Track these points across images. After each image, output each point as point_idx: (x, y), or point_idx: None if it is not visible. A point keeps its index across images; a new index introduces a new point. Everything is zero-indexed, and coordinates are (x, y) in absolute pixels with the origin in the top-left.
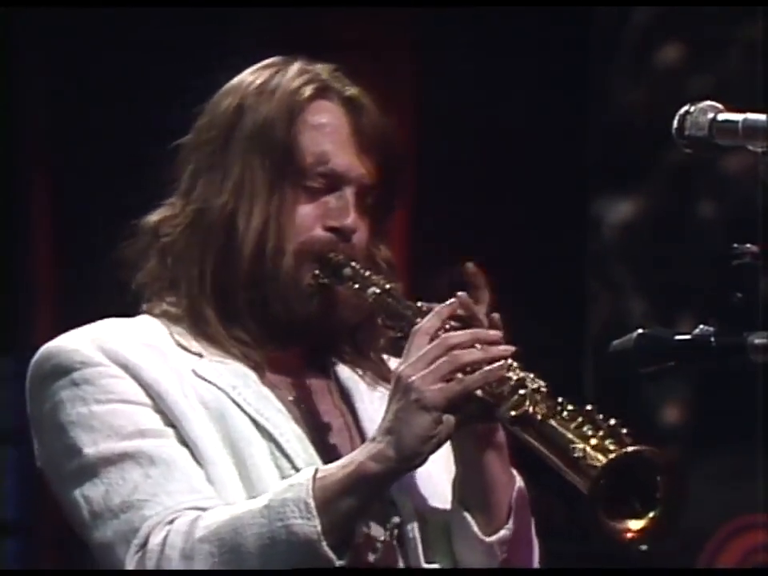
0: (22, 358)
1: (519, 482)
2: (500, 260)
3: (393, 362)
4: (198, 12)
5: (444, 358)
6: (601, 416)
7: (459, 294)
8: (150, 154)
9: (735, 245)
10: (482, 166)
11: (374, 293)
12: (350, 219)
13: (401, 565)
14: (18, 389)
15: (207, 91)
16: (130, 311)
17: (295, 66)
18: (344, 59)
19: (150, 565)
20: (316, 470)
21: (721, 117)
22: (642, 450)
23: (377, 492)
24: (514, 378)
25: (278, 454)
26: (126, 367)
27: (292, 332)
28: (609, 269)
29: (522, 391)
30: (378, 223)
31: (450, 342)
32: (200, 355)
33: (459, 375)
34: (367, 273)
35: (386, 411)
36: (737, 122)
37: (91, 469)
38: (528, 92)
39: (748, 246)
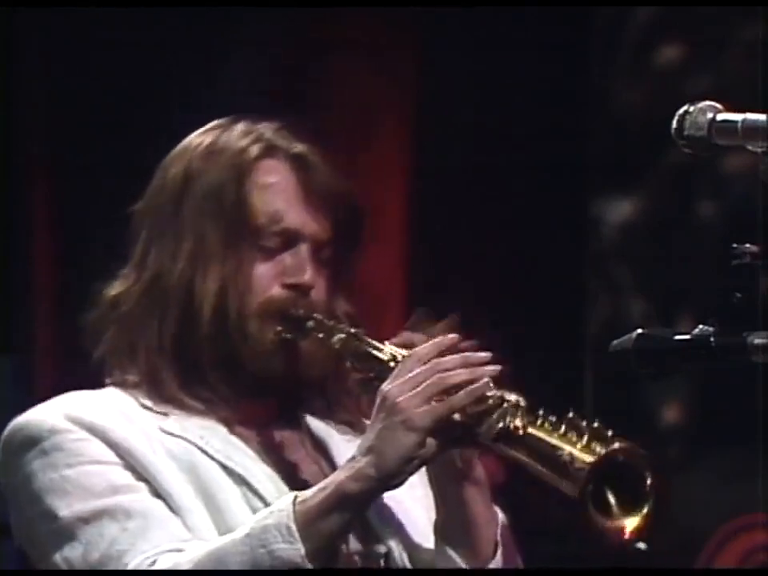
0: (21, 357)
1: (502, 517)
2: (500, 260)
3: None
4: (199, 12)
5: (431, 380)
6: (584, 421)
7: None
8: (150, 155)
9: (735, 245)
10: (482, 166)
11: (340, 338)
12: (307, 275)
13: None
14: (17, 388)
15: (207, 91)
16: (96, 372)
17: (240, 127)
18: (344, 59)
19: None
20: (295, 495)
21: (720, 117)
22: (627, 446)
23: (357, 511)
24: (492, 395)
25: (250, 495)
26: (93, 430)
27: (259, 388)
28: (609, 269)
29: (500, 410)
30: (337, 277)
31: (440, 366)
32: (165, 414)
33: (445, 397)
34: (331, 322)
35: (369, 430)
36: (736, 122)
37: (68, 531)
38: (528, 92)
39: (748, 245)
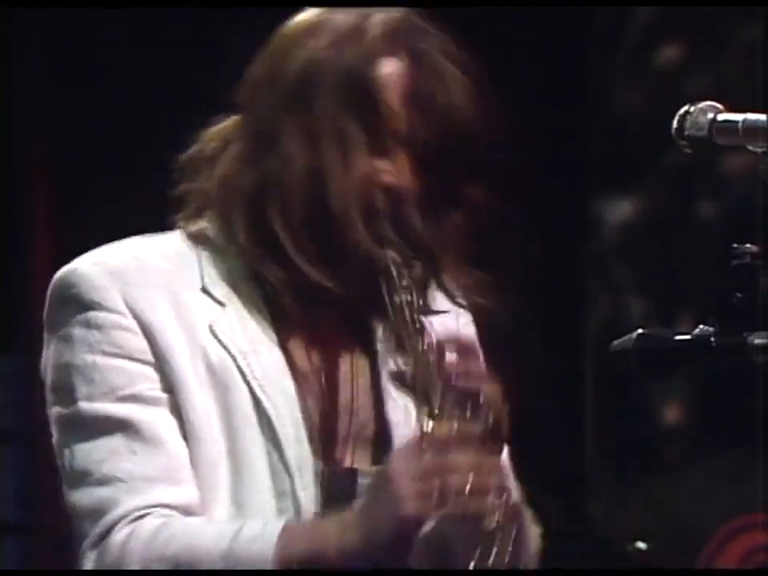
0: (20, 357)
1: (511, 478)
2: (499, 260)
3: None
4: (199, 12)
5: (436, 478)
6: None
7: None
8: (150, 155)
9: (735, 245)
10: (481, 166)
11: (397, 301)
12: (406, 180)
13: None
14: (17, 388)
15: (208, 91)
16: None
17: (377, 17)
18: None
19: (108, 561)
20: (284, 529)
21: (721, 117)
22: None
23: (336, 565)
24: (495, 520)
25: (271, 440)
26: (140, 321)
27: (325, 296)
28: (609, 269)
29: (500, 537)
30: (439, 186)
31: (449, 462)
32: (223, 304)
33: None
34: (404, 281)
35: (364, 500)
36: (737, 122)
37: (81, 423)
38: (528, 92)
39: (748, 245)
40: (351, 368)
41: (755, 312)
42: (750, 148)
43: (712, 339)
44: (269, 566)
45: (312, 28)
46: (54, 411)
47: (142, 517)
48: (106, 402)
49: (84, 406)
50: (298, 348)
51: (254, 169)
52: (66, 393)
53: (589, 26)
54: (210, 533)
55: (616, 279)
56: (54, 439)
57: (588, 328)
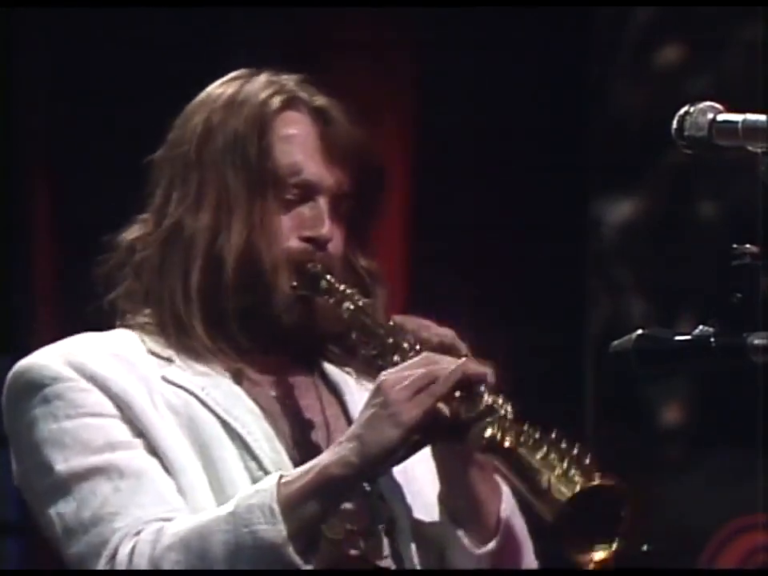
0: (21, 357)
1: (506, 490)
2: (500, 260)
3: None
4: (199, 12)
5: (419, 372)
6: (564, 444)
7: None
8: (150, 155)
9: (735, 245)
10: (482, 166)
11: (348, 308)
12: (325, 228)
13: (390, 559)
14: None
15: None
16: (104, 327)
17: (262, 78)
18: (344, 59)
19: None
20: (281, 476)
21: (720, 117)
22: (605, 484)
23: (340, 496)
24: (484, 402)
25: (246, 455)
26: (93, 380)
27: (275, 337)
28: (609, 269)
29: (489, 418)
30: (356, 231)
31: (433, 358)
32: (170, 360)
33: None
34: (342, 286)
35: (359, 415)
36: (736, 122)
37: (63, 485)
38: (528, 92)
39: (748, 246)
40: (316, 392)
41: (755, 312)
42: (750, 148)
43: (712, 339)
44: (275, 512)
45: (212, 98)
46: (37, 491)
47: (141, 531)
48: (82, 458)
49: (62, 469)
50: (257, 381)
51: (185, 262)
52: (44, 468)
53: (589, 25)
54: (212, 510)
55: (616, 279)
56: (42, 518)
57: (588, 328)
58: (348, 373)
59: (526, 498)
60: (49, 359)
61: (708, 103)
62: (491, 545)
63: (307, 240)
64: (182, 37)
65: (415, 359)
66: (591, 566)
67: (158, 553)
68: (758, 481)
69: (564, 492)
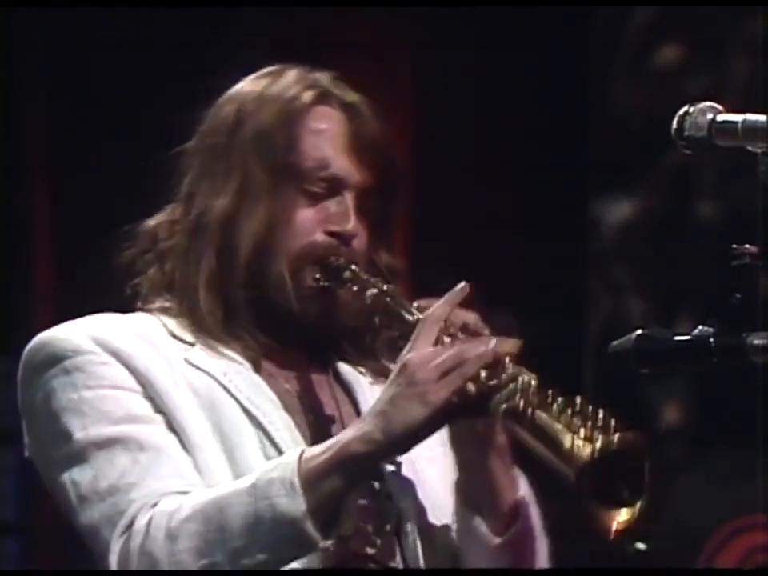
0: (21, 357)
1: (523, 479)
2: (500, 261)
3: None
4: (199, 12)
5: (450, 353)
6: (590, 407)
7: (464, 284)
8: (150, 156)
9: (735, 245)
10: (482, 166)
11: (372, 294)
12: (351, 224)
13: (398, 559)
14: (17, 388)
15: (207, 92)
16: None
17: (294, 73)
18: (344, 59)
19: (135, 545)
20: (303, 451)
21: (720, 117)
22: (627, 438)
23: (362, 473)
24: (506, 371)
25: (266, 442)
26: (116, 354)
27: (292, 332)
28: (609, 269)
29: (512, 385)
30: (378, 228)
31: (462, 345)
32: (192, 344)
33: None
34: (365, 275)
35: (383, 393)
36: (736, 122)
37: (80, 453)
38: (528, 92)
39: (748, 246)
40: (330, 390)
41: (755, 312)
42: (750, 148)
43: (711, 340)
44: (295, 485)
45: (244, 91)
46: (52, 458)
47: (158, 503)
48: (102, 427)
49: (80, 437)
50: (273, 373)
51: (203, 249)
52: (61, 436)
53: (589, 25)
54: (232, 483)
55: (616, 279)
56: (55, 486)
57: (588, 328)
58: (361, 372)
59: (548, 461)
60: (70, 333)
61: (708, 103)
62: (509, 533)
63: (332, 234)
64: (182, 37)
65: (442, 347)
66: (615, 527)
67: (174, 524)
68: (758, 481)
69: (587, 450)
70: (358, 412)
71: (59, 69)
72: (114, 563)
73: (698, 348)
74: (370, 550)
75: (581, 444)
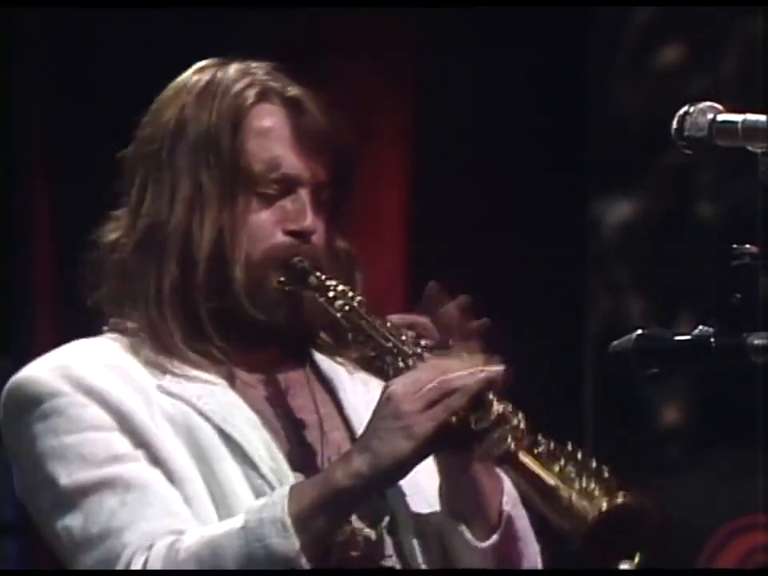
0: (21, 358)
1: (507, 482)
2: (499, 260)
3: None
4: (198, 12)
5: (433, 384)
6: (580, 455)
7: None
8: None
9: (735, 245)
10: (482, 166)
11: (343, 309)
12: (308, 220)
13: (395, 558)
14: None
15: None
16: (91, 330)
17: (233, 68)
18: (344, 59)
19: None
20: (291, 488)
21: (720, 117)
22: (628, 502)
23: (351, 507)
24: (494, 411)
25: (245, 464)
26: (91, 393)
27: (260, 338)
28: (608, 269)
29: (502, 428)
30: (334, 217)
31: (442, 365)
32: (164, 371)
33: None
34: (331, 283)
35: (369, 424)
36: (736, 122)
37: (69, 499)
38: (527, 92)
39: (748, 246)
40: (309, 389)
41: (755, 312)
42: (750, 148)
43: (711, 340)
44: (287, 525)
45: (184, 91)
46: (42, 506)
47: (152, 545)
48: (87, 472)
49: (66, 483)
50: (249, 382)
51: (159, 264)
52: (47, 484)
53: (589, 25)
54: (223, 524)
55: (615, 279)
56: (48, 533)
57: (588, 328)
58: (340, 363)
59: (545, 513)
60: (44, 373)
61: (708, 103)
62: (494, 538)
63: (291, 234)
64: (182, 37)
65: (424, 367)
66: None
67: (171, 568)
68: (758, 481)
69: (587, 510)
70: (339, 410)
71: (59, 69)
72: None
73: (698, 348)
74: (364, 550)
75: (579, 502)
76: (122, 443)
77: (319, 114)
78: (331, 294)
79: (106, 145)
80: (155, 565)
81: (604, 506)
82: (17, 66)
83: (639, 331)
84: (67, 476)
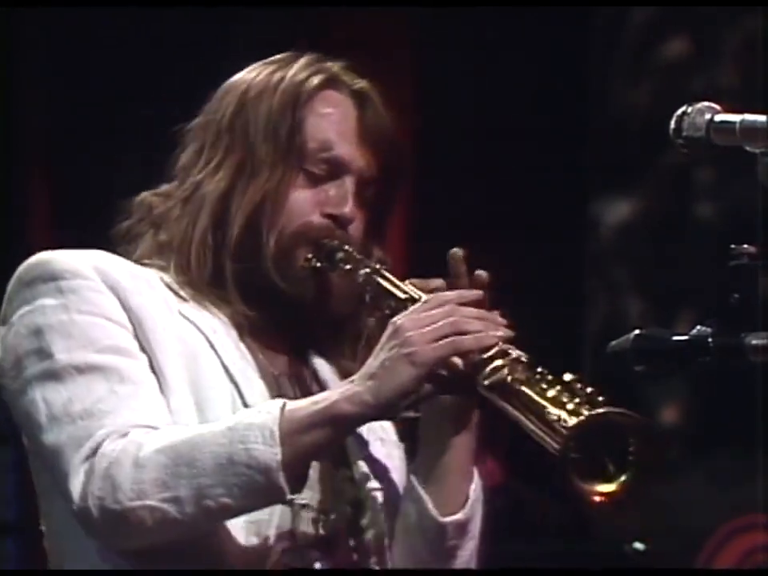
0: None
1: (478, 480)
2: (499, 260)
3: None
4: (199, 12)
5: (446, 321)
6: (579, 385)
7: (480, 272)
8: (149, 154)
9: (734, 245)
10: (482, 166)
11: (365, 272)
12: (348, 208)
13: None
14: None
15: (207, 90)
16: None
17: (304, 59)
18: (344, 58)
19: (100, 468)
20: (285, 402)
21: (718, 117)
22: (614, 411)
23: (343, 433)
24: (496, 346)
25: (238, 402)
26: (114, 288)
27: (278, 312)
28: (608, 269)
29: (500, 361)
30: (375, 218)
31: (458, 312)
32: (186, 300)
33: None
34: (359, 256)
35: (373, 357)
36: (734, 122)
37: (59, 374)
38: (527, 92)
39: (746, 246)
40: (308, 383)
41: (754, 313)
42: (748, 149)
43: (710, 340)
44: (275, 434)
45: (251, 75)
46: (27, 373)
47: (129, 432)
48: (86, 353)
49: (62, 358)
50: (253, 348)
51: (195, 217)
52: (42, 353)
53: (589, 25)
54: (207, 425)
55: (614, 279)
56: (23, 402)
57: (587, 328)
58: (336, 373)
59: (534, 435)
60: (72, 257)
61: (706, 103)
62: (457, 516)
63: (329, 217)
64: (182, 37)
65: (434, 301)
66: (597, 499)
67: (144, 454)
68: (758, 481)
69: (571, 421)
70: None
71: (59, 69)
72: (77, 485)
73: (696, 348)
74: (324, 531)
75: (567, 417)
76: (128, 340)
77: (381, 112)
78: (355, 263)
79: (106, 144)
80: (128, 448)
81: (585, 416)
82: (17, 66)
83: (638, 331)
84: (65, 351)
